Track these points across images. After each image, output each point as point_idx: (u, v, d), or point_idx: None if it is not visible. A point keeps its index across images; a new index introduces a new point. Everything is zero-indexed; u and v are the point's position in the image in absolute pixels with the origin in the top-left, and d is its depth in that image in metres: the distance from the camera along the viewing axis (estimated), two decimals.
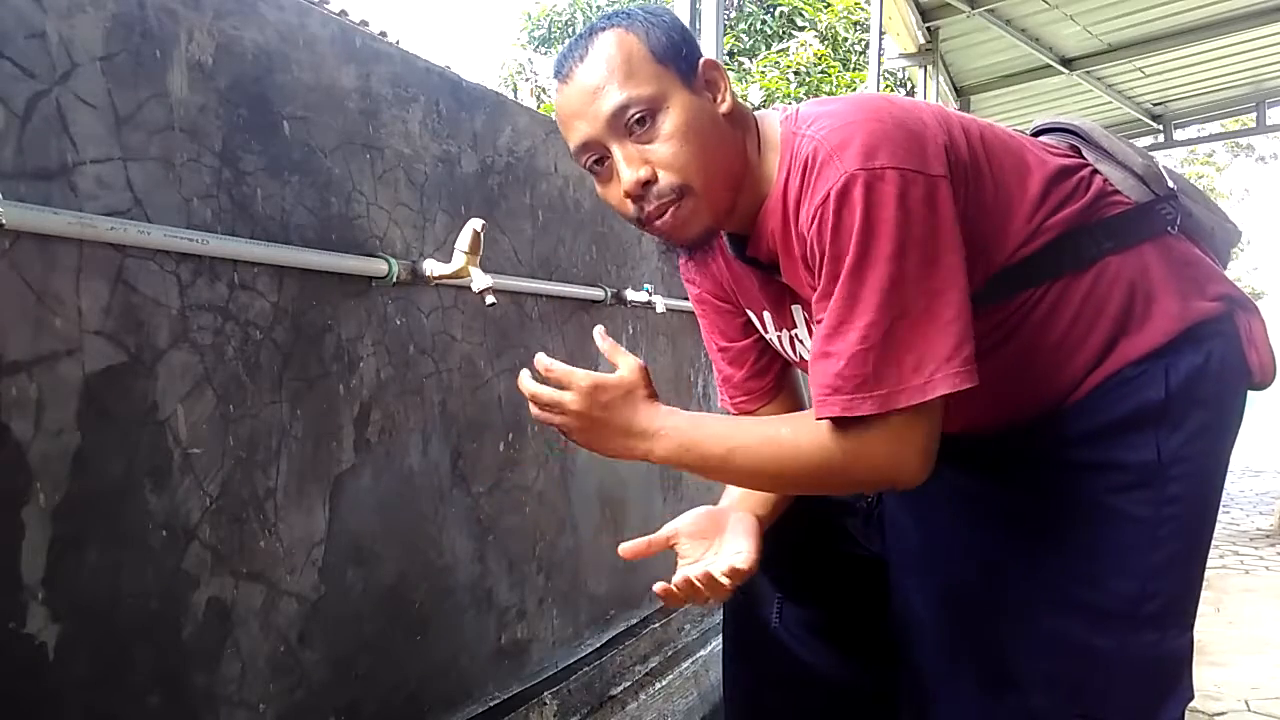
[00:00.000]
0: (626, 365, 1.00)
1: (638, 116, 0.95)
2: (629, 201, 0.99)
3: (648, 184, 0.97)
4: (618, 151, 0.97)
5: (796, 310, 1.10)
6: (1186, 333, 1.03)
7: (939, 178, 0.92)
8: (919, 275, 0.90)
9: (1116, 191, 1.08)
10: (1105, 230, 1.05)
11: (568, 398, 0.98)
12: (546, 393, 0.99)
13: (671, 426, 0.99)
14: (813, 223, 0.94)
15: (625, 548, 1.06)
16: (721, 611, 1.37)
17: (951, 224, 0.92)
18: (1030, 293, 1.02)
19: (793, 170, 0.98)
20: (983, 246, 0.98)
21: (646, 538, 1.08)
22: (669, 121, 0.96)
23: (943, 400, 0.91)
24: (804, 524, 1.20)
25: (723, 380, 1.28)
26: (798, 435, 0.98)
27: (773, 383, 1.24)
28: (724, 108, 1.01)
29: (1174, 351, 1.02)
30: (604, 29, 0.98)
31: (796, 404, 1.28)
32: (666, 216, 0.99)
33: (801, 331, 1.12)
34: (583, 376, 0.98)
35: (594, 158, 1.00)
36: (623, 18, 0.99)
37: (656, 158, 0.96)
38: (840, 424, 0.94)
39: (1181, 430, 1.01)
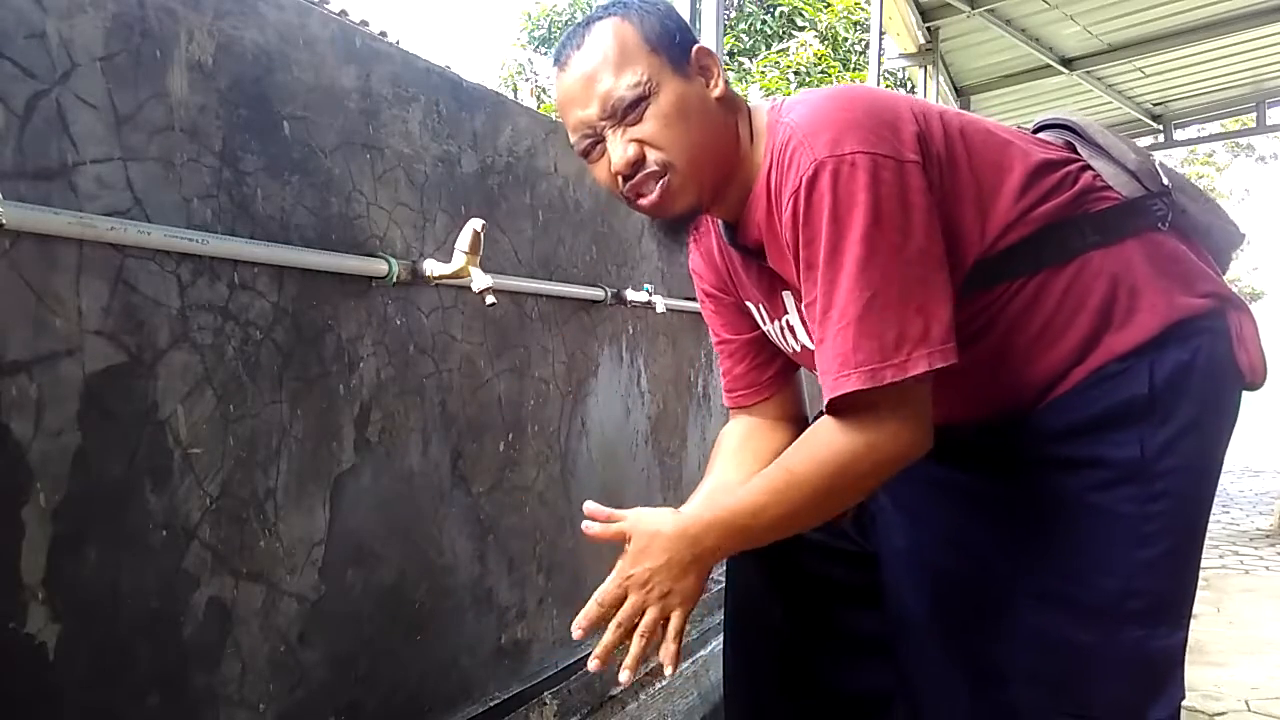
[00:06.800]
0: (623, 524, 1.07)
1: (630, 100, 1.00)
2: (618, 179, 1.03)
3: (637, 163, 1.01)
4: (609, 134, 1.02)
5: (787, 296, 1.12)
6: (1172, 328, 1.03)
7: (910, 163, 0.95)
8: (891, 255, 0.93)
9: (1107, 187, 1.08)
10: (1090, 224, 1.05)
11: (621, 571, 1.08)
12: (611, 590, 1.09)
13: (700, 522, 1.02)
14: (787, 210, 0.97)
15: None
16: (722, 612, 1.37)
17: (925, 208, 0.95)
18: (1010, 284, 1.03)
19: (774, 158, 1.01)
20: (959, 236, 1.00)
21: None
22: (659, 104, 1.00)
23: (930, 375, 0.93)
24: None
25: (725, 375, 1.30)
26: (810, 453, 0.99)
27: (771, 378, 1.26)
28: (716, 93, 1.05)
29: (1158, 348, 1.02)
30: (600, 18, 1.03)
31: (797, 403, 1.28)
32: (648, 192, 1.02)
33: (793, 317, 1.13)
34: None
35: (588, 140, 1.04)
36: (619, 7, 1.04)
37: (645, 136, 1.01)
38: (841, 416, 0.96)
39: (1167, 427, 1.01)
